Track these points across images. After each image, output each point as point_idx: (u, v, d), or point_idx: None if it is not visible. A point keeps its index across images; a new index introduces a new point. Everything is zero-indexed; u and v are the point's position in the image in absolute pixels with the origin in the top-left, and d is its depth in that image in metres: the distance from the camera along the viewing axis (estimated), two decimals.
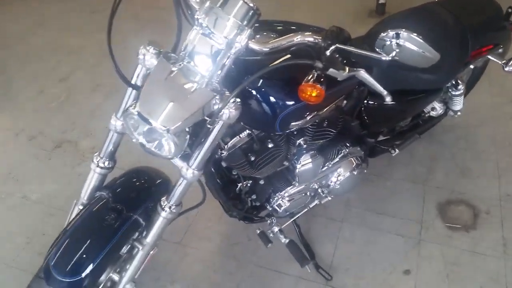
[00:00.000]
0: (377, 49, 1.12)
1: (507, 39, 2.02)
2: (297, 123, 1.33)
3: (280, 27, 1.39)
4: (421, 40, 1.09)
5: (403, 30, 1.08)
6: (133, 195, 1.44)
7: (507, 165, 2.31)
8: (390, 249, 1.96)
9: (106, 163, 1.40)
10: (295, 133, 1.53)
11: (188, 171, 1.25)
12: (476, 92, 2.39)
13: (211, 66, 1.11)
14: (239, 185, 1.65)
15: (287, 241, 1.76)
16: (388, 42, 1.09)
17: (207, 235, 2.07)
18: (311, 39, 1.10)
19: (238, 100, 1.15)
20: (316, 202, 1.88)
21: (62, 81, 3.21)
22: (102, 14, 3.84)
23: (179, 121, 1.07)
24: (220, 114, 1.14)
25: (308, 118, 1.34)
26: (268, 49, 1.11)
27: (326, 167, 1.77)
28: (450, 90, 1.90)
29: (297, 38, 1.10)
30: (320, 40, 1.10)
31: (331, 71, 1.11)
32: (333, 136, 1.66)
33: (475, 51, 1.87)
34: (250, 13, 1.09)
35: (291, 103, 1.29)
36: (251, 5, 1.08)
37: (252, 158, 1.50)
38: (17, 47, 3.64)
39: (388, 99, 1.23)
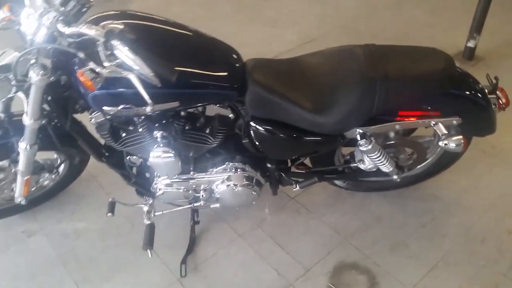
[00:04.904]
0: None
1: (475, 112, 1.68)
2: (109, 108, 1.41)
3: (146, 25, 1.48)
4: (138, 61, 1.12)
5: (120, 43, 1.13)
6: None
7: (455, 261, 1.93)
8: (257, 279, 1.89)
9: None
10: (156, 125, 1.63)
11: (25, 118, 1.51)
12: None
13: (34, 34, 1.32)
14: (126, 159, 1.83)
15: (148, 222, 1.87)
16: (115, 50, 1.15)
17: None
18: (89, 32, 1.20)
19: (47, 68, 1.34)
20: (201, 203, 1.93)
21: None
22: None
23: None
24: (29, 76, 1.35)
25: (119, 108, 1.41)
26: (68, 32, 1.26)
27: (207, 173, 1.81)
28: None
29: (82, 29, 1.22)
30: (99, 35, 1.20)
31: (91, 64, 1.21)
32: (212, 144, 1.69)
33: (404, 111, 1.63)
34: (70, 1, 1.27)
35: None
36: None
37: (123, 135, 1.66)
38: None
39: (148, 109, 1.25)
